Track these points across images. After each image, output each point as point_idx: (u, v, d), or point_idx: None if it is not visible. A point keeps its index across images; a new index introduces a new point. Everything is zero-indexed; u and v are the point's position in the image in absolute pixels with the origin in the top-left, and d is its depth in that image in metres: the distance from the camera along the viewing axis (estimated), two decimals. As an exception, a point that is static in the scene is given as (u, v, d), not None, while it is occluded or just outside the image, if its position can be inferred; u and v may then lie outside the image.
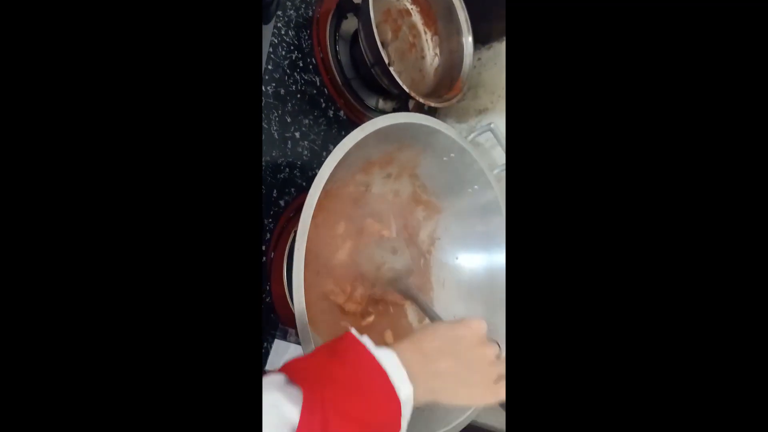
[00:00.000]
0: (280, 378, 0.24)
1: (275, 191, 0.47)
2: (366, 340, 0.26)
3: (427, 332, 0.30)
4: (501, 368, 0.30)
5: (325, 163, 0.36)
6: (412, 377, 0.25)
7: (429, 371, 0.27)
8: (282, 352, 0.42)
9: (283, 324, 0.45)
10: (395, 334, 0.50)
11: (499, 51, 0.67)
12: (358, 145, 0.39)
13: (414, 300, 0.43)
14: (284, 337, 0.43)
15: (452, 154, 0.50)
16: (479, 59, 0.70)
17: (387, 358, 0.25)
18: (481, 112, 0.69)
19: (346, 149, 0.37)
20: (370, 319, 0.48)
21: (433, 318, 0.40)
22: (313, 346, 0.33)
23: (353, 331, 0.27)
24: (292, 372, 0.24)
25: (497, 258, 0.53)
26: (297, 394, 0.23)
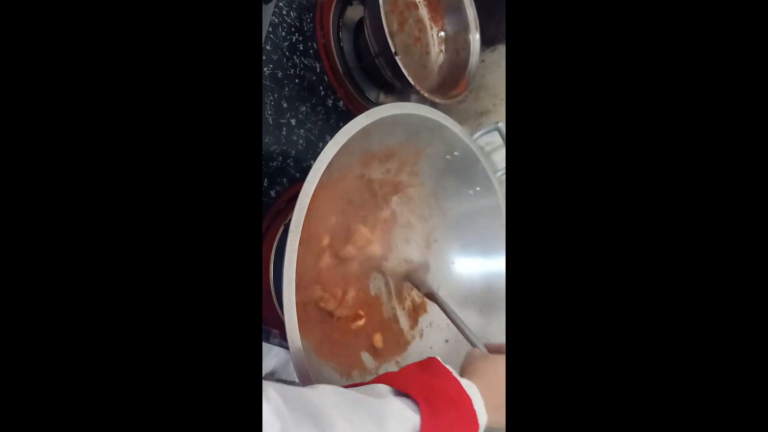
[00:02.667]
0: (386, 388, 0.26)
1: (266, 181, 0.43)
2: (451, 368, 0.29)
3: (490, 367, 0.32)
4: None
5: (325, 149, 0.33)
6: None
7: (492, 405, 0.29)
8: (265, 353, 0.38)
9: (267, 325, 0.41)
10: (385, 338, 0.47)
11: (503, 53, 0.66)
12: (360, 135, 0.36)
13: (431, 297, 0.40)
14: (267, 339, 0.40)
15: (456, 153, 0.47)
16: (483, 61, 0.68)
17: (470, 388, 0.28)
18: (483, 114, 0.67)
19: (350, 135, 0.34)
20: (361, 322, 0.45)
21: (454, 319, 0.40)
22: (301, 349, 0.30)
23: (439, 358, 0.29)
24: (393, 382, 0.27)
25: (495, 264, 0.50)
26: (409, 401, 0.25)
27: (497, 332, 0.47)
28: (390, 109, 0.38)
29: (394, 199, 0.51)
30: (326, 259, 0.44)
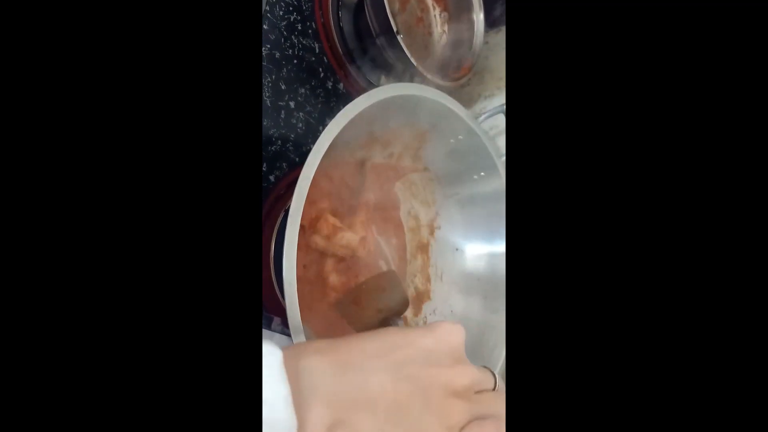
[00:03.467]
0: None
1: (265, 165, 0.42)
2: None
3: (364, 334, 0.19)
4: (477, 409, 0.19)
5: (325, 130, 0.31)
6: (314, 398, 0.16)
7: (342, 392, 0.16)
8: (267, 341, 0.37)
9: (268, 312, 0.40)
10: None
11: (508, 35, 0.64)
12: (361, 117, 0.35)
13: None
14: (268, 326, 0.39)
15: (460, 137, 0.46)
16: (486, 43, 0.66)
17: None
18: (487, 98, 0.65)
19: (351, 116, 0.32)
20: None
21: None
22: (303, 336, 0.29)
23: None
24: None
25: (499, 249, 0.50)
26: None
27: (502, 319, 0.46)
28: (392, 90, 0.37)
29: (397, 184, 0.50)
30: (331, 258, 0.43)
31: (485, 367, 0.21)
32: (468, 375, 0.19)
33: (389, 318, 0.35)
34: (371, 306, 0.36)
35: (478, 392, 0.20)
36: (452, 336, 0.20)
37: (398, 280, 0.39)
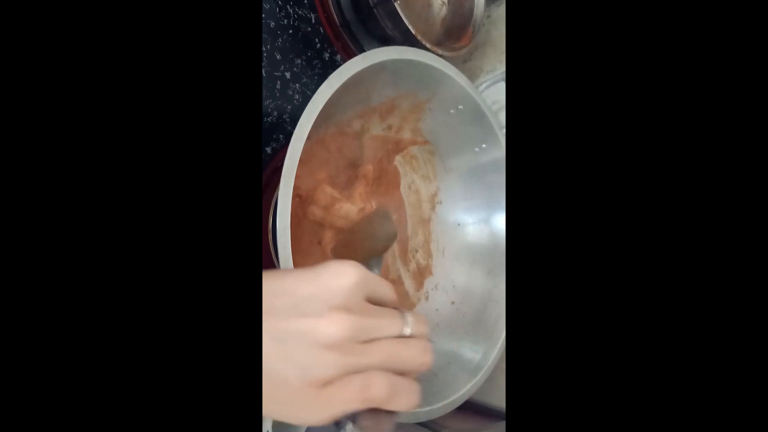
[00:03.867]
0: None
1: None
2: None
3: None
4: (351, 361, 0.17)
5: (318, 90, 0.31)
6: None
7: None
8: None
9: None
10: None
11: (510, 7, 0.62)
12: (357, 82, 0.34)
13: None
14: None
15: (460, 107, 0.45)
16: (488, 17, 0.65)
17: None
18: (489, 72, 0.64)
19: (345, 78, 0.32)
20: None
21: None
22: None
23: None
24: None
25: (502, 223, 0.49)
26: None
27: (504, 292, 0.46)
28: (389, 52, 0.36)
29: (397, 158, 0.49)
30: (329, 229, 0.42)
31: (396, 309, 0.19)
32: (344, 324, 0.16)
33: (371, 257, 0.34)
34: (364, 247, 0.35)
35: (368, 341, 0.17)
36: (336, 279, 0.17)
37: (387, 215, 0.38)
